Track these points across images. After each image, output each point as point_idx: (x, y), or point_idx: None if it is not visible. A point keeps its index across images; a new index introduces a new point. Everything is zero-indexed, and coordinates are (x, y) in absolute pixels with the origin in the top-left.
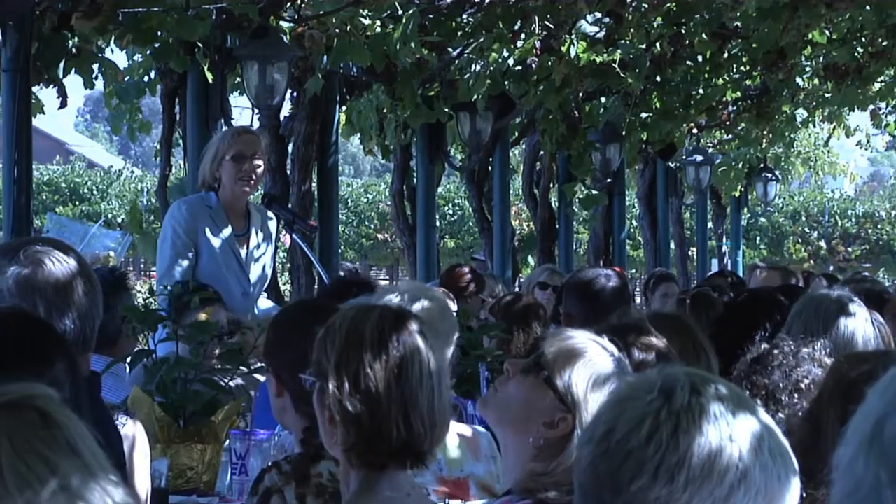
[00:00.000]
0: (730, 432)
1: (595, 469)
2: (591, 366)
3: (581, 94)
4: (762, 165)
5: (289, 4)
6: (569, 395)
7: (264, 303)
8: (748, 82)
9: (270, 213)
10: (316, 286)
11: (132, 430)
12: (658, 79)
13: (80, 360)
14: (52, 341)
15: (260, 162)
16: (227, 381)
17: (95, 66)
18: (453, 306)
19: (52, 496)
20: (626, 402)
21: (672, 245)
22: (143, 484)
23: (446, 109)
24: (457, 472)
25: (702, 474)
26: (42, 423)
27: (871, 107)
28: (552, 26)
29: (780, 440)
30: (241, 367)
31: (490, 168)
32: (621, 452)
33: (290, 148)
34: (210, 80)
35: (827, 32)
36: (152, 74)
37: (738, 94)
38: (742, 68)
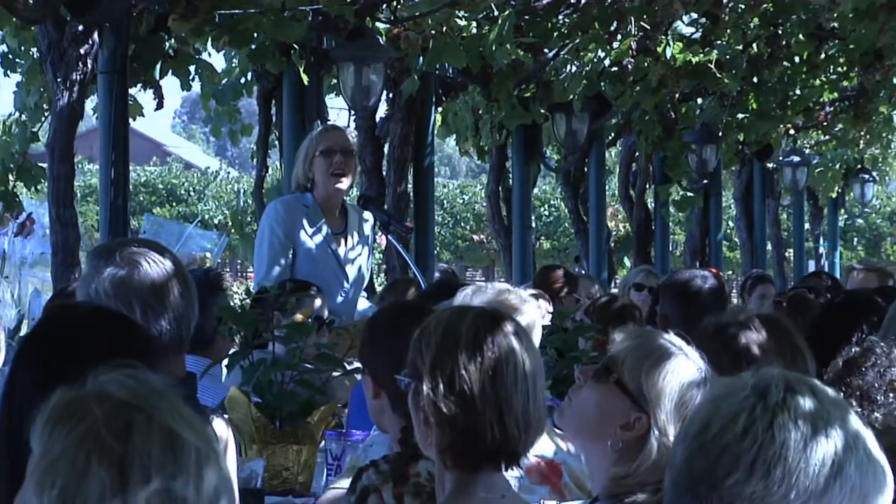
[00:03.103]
0: (825, 427)
1: (690, 466)
2: (660, 361)
3: (677, 95)
4: (859, 166)
5: (385, 6)
6: (641, 394)
7: (363, 303)
8: (845, 83)
9: (367, 214)
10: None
11: (224, 433)
12: (755, 79)
13: (160, 364)
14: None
15: (350, 156)
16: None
17: (192, 68)
18: (549, 307)
19: (157, 496)
20: (720, 400)
21: (769, 246)
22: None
23: (542, 110)
24: (551, 456)
25: (798, 468)
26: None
27: None
28: (648, 27)
29: (873, 442)
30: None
31: (586, 169)
32: (717, 447)
33: (385, 149)
34: (306, 82)
35: None
36: (249, 76)
37: (836, 94)
38: (839, 69)
